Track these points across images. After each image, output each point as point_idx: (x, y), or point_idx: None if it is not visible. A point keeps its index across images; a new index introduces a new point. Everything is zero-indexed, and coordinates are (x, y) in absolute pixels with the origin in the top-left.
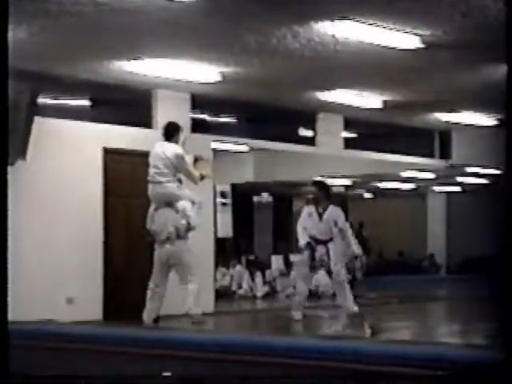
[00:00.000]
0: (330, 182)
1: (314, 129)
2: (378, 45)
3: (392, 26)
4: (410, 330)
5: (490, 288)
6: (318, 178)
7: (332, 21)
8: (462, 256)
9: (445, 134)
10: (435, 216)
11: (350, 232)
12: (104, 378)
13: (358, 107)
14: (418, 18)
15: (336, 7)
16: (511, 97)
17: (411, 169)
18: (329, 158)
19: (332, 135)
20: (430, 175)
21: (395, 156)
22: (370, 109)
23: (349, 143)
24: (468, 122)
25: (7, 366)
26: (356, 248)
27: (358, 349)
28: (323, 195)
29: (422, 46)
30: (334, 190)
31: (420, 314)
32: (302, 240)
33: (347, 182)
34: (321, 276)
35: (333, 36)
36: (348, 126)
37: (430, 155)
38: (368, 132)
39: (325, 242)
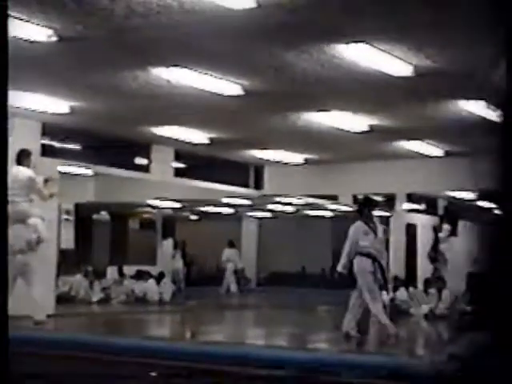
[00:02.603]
0: (159, 204)
1: (148, 158)
2: (206, 90)
3: (218, 75)
4: (223, 332)
5: (293, 298)
6: (362, 195)
7: (167, 67)
8: (269, 271)
9: (259, 168)
10: (248, 237)
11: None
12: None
13: (187, 142)
14: (239, 69)
15: (169, 56)
16: (509, 117)
17: (230, 196)
18: (161, 183)
19: (164, 164)
20: (246, 202)
21: (217, 185)
22: (197, 143)
23: (178, 172)
24: (278, 159)
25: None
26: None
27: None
28: (369, 210)
29: (242, 93)
30: (164, 212)
31: (232, 319)
32: (340, 267)
33: (176, 205)
34: (149, 284)
35: (167, 81)
36: (178, 157)
37: (246, 185)
38: (195, 163)
39: (379, 260)
